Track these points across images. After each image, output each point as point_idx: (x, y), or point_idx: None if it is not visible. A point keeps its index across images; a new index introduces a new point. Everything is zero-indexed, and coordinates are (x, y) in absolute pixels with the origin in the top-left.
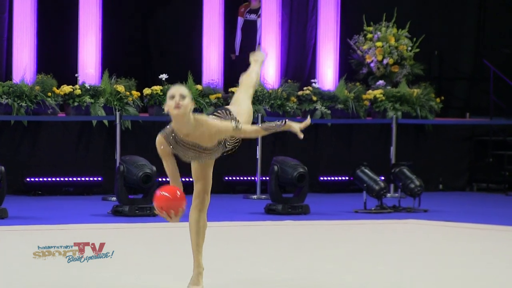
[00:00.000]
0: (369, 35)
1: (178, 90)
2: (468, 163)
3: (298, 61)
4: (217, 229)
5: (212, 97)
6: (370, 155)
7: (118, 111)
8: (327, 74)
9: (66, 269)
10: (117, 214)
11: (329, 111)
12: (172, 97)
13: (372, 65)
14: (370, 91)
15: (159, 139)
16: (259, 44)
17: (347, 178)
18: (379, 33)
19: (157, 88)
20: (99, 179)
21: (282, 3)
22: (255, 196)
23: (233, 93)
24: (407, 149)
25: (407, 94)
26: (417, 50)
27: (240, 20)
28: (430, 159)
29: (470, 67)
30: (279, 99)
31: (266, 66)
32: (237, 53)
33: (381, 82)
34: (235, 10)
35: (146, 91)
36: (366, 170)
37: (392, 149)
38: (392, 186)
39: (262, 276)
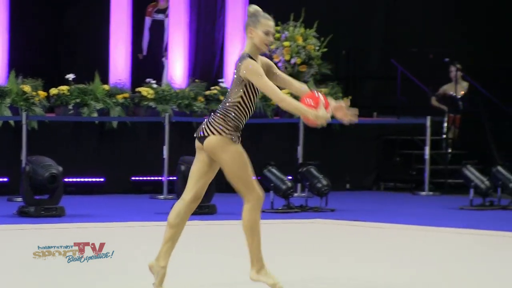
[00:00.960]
0: (277, 35)
1: (273, 27)
2: (375, 162)
3: (206, 61)
4: (128, 230)
5: (119, 97)
6: (277, 155)
7: (25, 111)
8: None
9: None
10: (23, 215)
11: None
12: (268, 33)
13: (279, 64)
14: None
15: (253, 61)
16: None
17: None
18: (286, 32)
19: (64, 88)
20: (5, 179)
21: (190, 3)
22: (162, 196)
23: (140, 93)
24: (315, 148)
25: None
26: (325, 49)
27: (148, 20)
28: (337, 158)
29: (378, 66)
30: (187, 99)
31: (174, 66)
32: (144, 53)
33: None
34: (143, 9)
35: (53, 91)
36: (273, 170)
37: (300, 149)
38: (299, 185)
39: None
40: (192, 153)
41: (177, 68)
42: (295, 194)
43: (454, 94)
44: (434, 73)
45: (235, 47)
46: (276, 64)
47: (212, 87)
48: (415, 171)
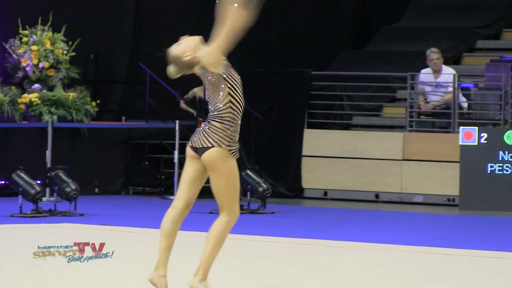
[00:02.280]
0: (25, 39)
1: None
2: (124, 167)
3: None
4: None
5: None
6: (27, 159)
7: None
8: None
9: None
10: None
11: None
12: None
13: (28, 68)
14: (25, 94)
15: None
16: None
17: (3, 182)
18: (34, 37)
19: None
20: None
21: None
22: None
23: None
24: (64, 152)
25: (63, 98)
26: (73, 54)
27: None
28: (86, 162)
29: (126, 71)
30: None
31: None
32: None
33: (37, 86)
34: None
35: None
36: (22, 174)
37: (48, 153)
38: (48, 190)
39: None
40: None
41: None
42: (44, 199)
43: (202, 96)
44: (184, 77)
45: None
46: (24, 68)
47: None
48: (163, 175)
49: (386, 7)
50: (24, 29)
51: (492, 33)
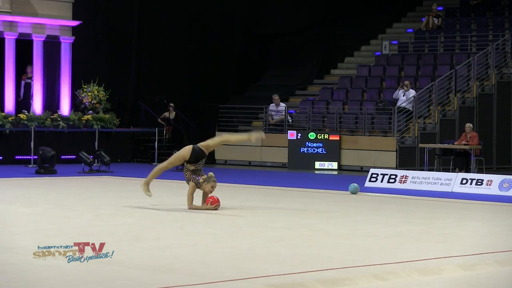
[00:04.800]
0: (85, 89)
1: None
2: (131, 150)
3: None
4: None
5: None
6: (85, 145)
7: None
8: (65, 107)
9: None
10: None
11: (66, 125)
12: (212, 187)
13: (86, 103)
14: (85, 116)
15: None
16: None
17: (74, 156)
18: (89, 88)
19: None
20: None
21: None
22: None
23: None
24: (103, 143)
25: (103, 117)
26: (108, 96)
27: (23, 82)
28: (113, 147)
29: (132, 104)
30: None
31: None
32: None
33: (90, 111)
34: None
35: None
36: (83, 152)
37: (96, 143)
38: (96, 160)
39: None
40: None
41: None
42: (94, 164)
43: (169, 117)
44: (161, 107)
45: (67, 95)
46: (84, 103)
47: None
48: (150, 154)
49: (250, 72)
50: (84, 85)
51: (303, 87)
